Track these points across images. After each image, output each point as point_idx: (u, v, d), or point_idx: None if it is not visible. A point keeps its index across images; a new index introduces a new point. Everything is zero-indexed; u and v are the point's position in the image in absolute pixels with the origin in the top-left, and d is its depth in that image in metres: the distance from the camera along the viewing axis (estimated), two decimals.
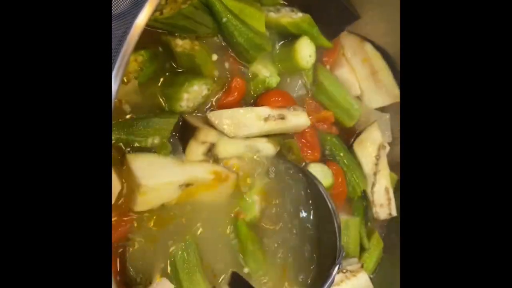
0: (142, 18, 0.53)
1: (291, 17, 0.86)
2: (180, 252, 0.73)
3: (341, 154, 0.93)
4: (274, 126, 0.79)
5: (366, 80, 0.98)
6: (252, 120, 0.77)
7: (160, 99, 0.76)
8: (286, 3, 0.89)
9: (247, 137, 0.78)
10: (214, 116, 0.75)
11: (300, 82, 0.90)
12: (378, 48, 0.97)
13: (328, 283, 0.76)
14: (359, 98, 0.99)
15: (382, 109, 1.01)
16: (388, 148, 1.00)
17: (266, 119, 0.79)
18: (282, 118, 0.80)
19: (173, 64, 0.77)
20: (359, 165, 0.95)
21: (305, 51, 0.86)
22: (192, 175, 0.72)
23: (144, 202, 0.69)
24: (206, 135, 0.73)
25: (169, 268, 0.73)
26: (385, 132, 1.00)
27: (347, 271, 0.87)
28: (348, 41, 0.97)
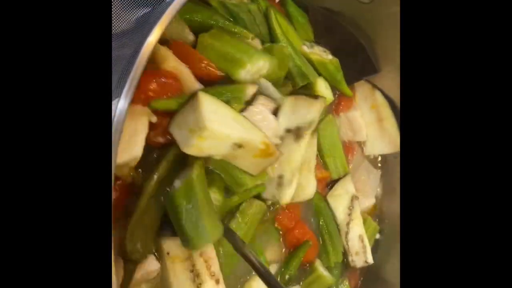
0: (152, 38, 0.50)
1: (321, 56, 0.86)
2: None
3: (326, 221, 0.90)
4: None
5: (372, 126, 0.98)
6: None
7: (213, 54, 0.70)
8: (316, 41, 0.89)
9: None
10: None
11: None
12: (387, 97, 0.97)
13: None
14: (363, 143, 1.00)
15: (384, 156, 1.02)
16: (372, 201, 1.00)
17: None
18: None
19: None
20: (339, 237, 0.92)
21: (323, 87, 0.86)
22: (249, 137, 0.66)
23: (197, 146, 0.62)
24: None
25: None
26: (373, 184, 1.01)
27: None
28: (360, 87, 0.97)
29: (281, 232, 0.85)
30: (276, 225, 0.85)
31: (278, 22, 0.78)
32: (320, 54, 0.87)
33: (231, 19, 0.74)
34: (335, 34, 0.88)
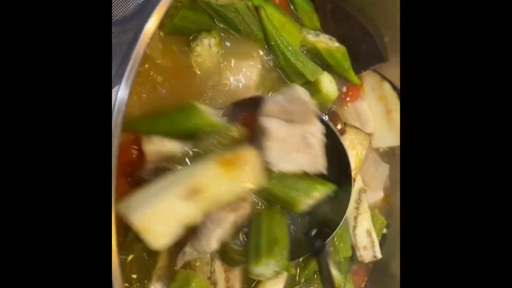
0: (152, 23, 0.50)
1: (327, 44, 0.85)
2: None
3: None
4: None
5: (379, 118, 0.96)
6: None
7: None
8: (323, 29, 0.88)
9: None
10: None
11: None
12: (395, 89, 0.95)
13: None
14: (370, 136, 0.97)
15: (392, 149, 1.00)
16: (381, 195, 0.99)
17: None
18: None
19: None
20: (348, 231, 0.91)
21: (327, 83, 0.84)
22: (193, 182, 0.55)
23: (156, 237, 0.53)
24: None
25: None
26: (381, 178, 0.99)
27: None
28: (368, 78, 0.95)
29: None
30: None
31: (270, 20, 0.77)
32: (326, 42, 0.85)
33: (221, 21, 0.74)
34: (342, 22, 0.87)
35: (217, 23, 0.74)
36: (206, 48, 0.71)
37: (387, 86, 0.95)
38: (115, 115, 0.51)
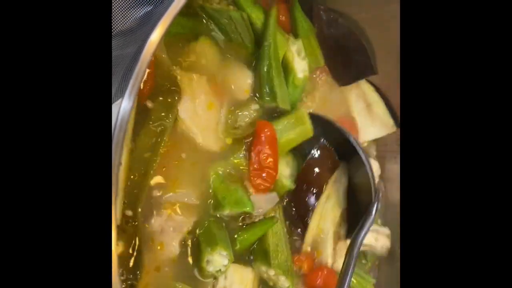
0: (156, 36, 0.49)
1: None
2: None
3: None
4: None
5: (362, 113, 0.99)
6: None
7: None
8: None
9: None
10: None
11: None
12: (370, 83, 0.97)
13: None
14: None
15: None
16: None
17: None
18: None
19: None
20: None
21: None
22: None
23: None
24: None
25: None
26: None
27: None
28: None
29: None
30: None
31: (274, 49, 0.77)
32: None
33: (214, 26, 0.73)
34: (337, 32, 0.88)
35: (209, 25, 0.73)
36: (203, 54, 0.71)
37: (362, 82, 0.97)
38: (117, 131, 0.49)
